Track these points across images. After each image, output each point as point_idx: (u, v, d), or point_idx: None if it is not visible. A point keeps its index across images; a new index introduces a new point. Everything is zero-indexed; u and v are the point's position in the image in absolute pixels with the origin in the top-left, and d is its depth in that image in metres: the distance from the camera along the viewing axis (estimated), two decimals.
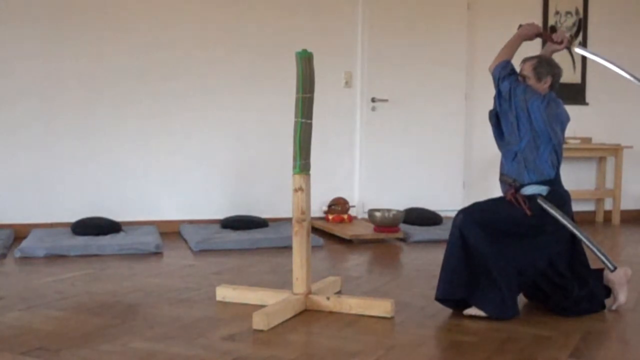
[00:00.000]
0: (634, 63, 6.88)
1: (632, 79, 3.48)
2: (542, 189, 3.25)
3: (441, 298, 3.23)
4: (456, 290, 3.17)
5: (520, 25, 3.51)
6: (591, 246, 3.24)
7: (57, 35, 5.46)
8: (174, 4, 5.72)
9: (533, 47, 3.49)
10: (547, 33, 3.53)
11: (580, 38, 6.79)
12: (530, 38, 3.51)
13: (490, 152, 3.53)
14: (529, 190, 3.25)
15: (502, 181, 3.37)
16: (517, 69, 3.39)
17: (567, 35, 3.55)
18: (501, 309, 3.12)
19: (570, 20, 6.77)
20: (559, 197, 3.28)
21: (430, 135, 6.41)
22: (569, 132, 6.43)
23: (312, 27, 6.02)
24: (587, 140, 6.71)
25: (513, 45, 3.45)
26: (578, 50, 3.69)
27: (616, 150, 6.66)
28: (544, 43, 3.64)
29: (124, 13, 5.60)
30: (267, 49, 5.93)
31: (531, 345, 2.80)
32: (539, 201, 3.21)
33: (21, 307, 3.28)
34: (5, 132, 5.40)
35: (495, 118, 3.39)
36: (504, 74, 3.33)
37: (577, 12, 6.78)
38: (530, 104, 3.23)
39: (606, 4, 6.86)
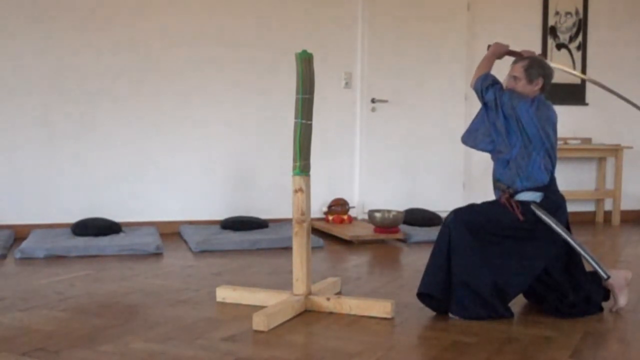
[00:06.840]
0: (634, 63, 6.89)
1: (598, 85, 3.58)
2: (536, 196, 3.24)
3: (421, 292, 3.23)
4: (435, 287, 3.17)
5: (489, 46, 3.57)
6: (584, 254, 3.23)
7: (56, 35, 5.46)
8: (173, 4, 5.72)
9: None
10: (516, 51, 3.57)
11: (580, 38, 6.79)
12: (501, 56, 3.54)
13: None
14: (522, 197, 3.25)
15: (496, 187, 3.36)
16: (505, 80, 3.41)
17: (537, 52, 3.62)
18: (470, 313, 3.12)
19: (570, 21, 6.77)
20: (553, 203, 3.26)
21: (430, 136, 6.41)
22: (569, 132, 6.52)
23: (312, 27, 6.03)
24: (587, 140, 6.71)
25: (487, 64, 3.48)
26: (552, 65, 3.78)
27: (616, 151, 6.65)
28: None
29: (124, 12, 5.60)
30: (267, 49, 5.93)
31: (531, 345, 2.80)
32: (533, 207, 3.21)
33: (21, 308, 3.28)
34: (5, 132, 5.40)
35: (472, 138, 3.41)
36: (486, 84, 3.34)
37: (577, 13, 6.78)
38: (519, 109, 3.22)
39: (606, 4, 6.86)
